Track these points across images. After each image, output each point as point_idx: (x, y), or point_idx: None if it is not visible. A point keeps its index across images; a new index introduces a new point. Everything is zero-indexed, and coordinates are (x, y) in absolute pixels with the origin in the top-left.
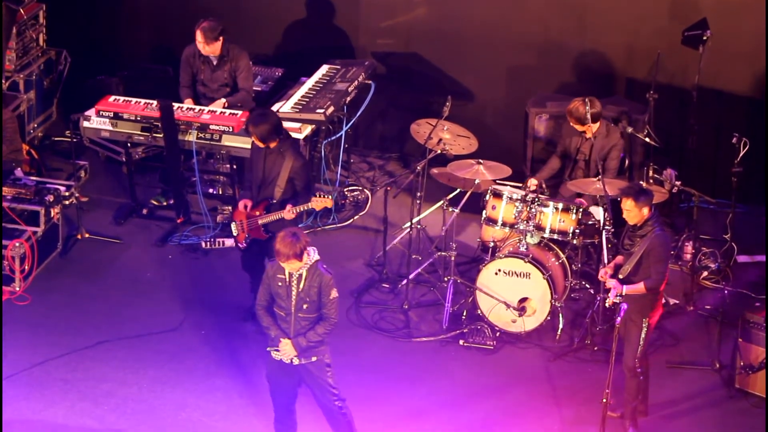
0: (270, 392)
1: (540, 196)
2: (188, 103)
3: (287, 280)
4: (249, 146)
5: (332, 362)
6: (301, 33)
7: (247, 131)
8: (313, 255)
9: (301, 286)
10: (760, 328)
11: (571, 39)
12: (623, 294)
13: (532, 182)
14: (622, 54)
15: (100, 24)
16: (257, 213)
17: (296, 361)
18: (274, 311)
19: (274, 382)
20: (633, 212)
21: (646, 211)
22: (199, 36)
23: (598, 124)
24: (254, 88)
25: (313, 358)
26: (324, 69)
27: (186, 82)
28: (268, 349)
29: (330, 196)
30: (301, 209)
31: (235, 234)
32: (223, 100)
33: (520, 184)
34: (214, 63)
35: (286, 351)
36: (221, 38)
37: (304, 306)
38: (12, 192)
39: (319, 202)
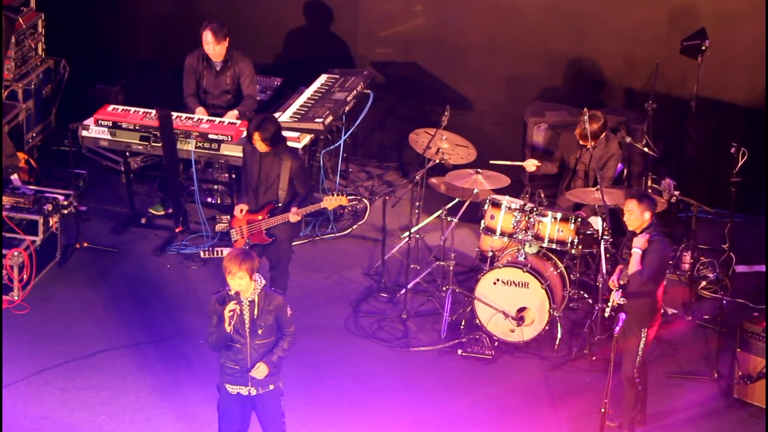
0: (220, 425)
1: (539, 206)
2: (200, 112)
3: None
4: None
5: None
6: (300, 42)
7: (249, 138)
8: (261, 280)
9: (255, 312)
10: (759, 338)
11: (570, 48)
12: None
13: (532, 161)
14: (621, 63)
15: (99, 33)
16: (259, 217)
17: (253, 392)
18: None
19: (228, 415)
20: (635, 214)
21: (647, 215)
22: (208, 36)
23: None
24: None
25: (271, 386)
26: (323, 78)
27: (191, 89)
28: (225, 385)
29: (344, 194)
30: (307, 211)
31: (234, 240)
32: (236, 111)
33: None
34: (218, 68)
35: (260, 372)
36: (228, 39)
37: (260, 332)
38: (11, 201)
39: (332, 201)
